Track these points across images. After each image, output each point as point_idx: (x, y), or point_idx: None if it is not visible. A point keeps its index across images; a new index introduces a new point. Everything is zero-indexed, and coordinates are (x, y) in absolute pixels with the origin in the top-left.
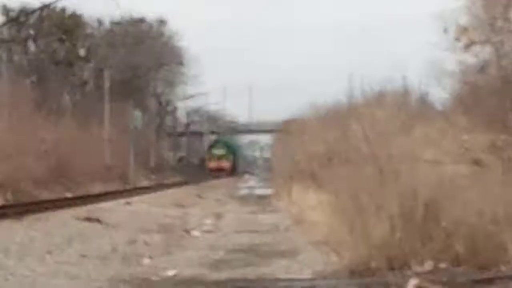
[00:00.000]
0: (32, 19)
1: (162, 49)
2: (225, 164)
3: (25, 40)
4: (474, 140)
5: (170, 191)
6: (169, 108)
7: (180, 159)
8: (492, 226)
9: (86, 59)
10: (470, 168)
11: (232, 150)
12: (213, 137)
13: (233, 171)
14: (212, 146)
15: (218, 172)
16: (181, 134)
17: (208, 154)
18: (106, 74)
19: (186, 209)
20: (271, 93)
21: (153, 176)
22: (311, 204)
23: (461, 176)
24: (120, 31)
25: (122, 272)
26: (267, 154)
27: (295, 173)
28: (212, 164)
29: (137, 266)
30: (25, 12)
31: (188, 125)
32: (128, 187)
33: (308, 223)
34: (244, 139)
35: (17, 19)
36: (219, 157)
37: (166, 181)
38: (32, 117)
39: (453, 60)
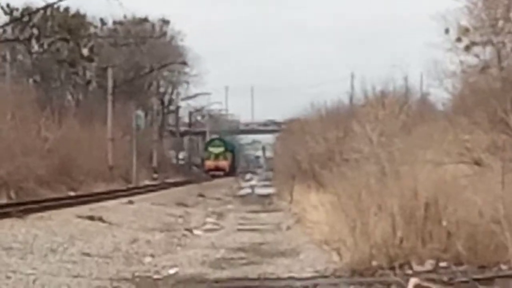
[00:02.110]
0: (36, 19)
1: (165, 49)
2: (223, 163)
3: (29, 39)
4: (475, 140)
5: (173, 190)
6: (171, 108)
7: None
8: (492, 225)
9: (89, 59)
10: (471, 168)
11: (231, 149)
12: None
13: (232, 171)
14: (208, 144)
15: (215, 172)
16: (184, 134)
17: (205, 153)
18: (109, 73)
19: (188, 208)
20: (273, 93)
21: (156, 176)
22: (313, 204)
23: (462, 176)
24: (123, 30)
25: (124, 270)
26: (269, 154)
27: (296, 172)
28: (209, 163)
29: (139, 265)
30: (28, 12)
31: (190, 124)
32: (130, 186)
33: (310, 222)
34: (246, 139)
35: (21, 18)
36: (217, 156)
37: (168, 181)
38: (35, 117)
39: (455, 60)
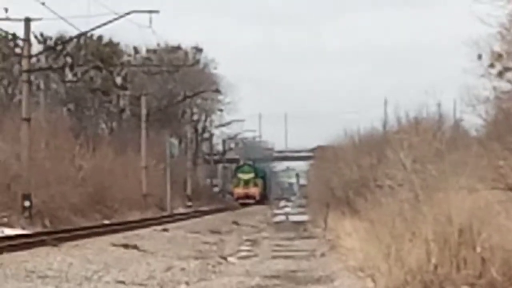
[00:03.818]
0: (69, 47)
1: (198, 76)
2: (253, 190)
3: (62, 68)
4: (509, 166)
5: (207, 218)
6: (205, 136)
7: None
8: None
9: (123, 87)
10: (505, 194)
11: (261, 175)
12: None
13: (263, 199)
14: (237, 169)
15: (245, 200)
16: (218, 161)
17: (234, 179)
18: (143, 101)
19: (222, 235)
20: (306, 119)
21: (190, 203)
22: (347, 230)
23: (496, 201)
24: (156, 59)
25: None
26: (303, 181)
27: (330, 199)
28: (239, 191)
29: None
30: (62, 40)
31: (224, 152)
32: (165, 214)
33: (344, 249)
34: (280, 166)
35: (54, 47)
36: (246, 182)
37: (202, 208)
38: (70, 145)
39: (488, 86)
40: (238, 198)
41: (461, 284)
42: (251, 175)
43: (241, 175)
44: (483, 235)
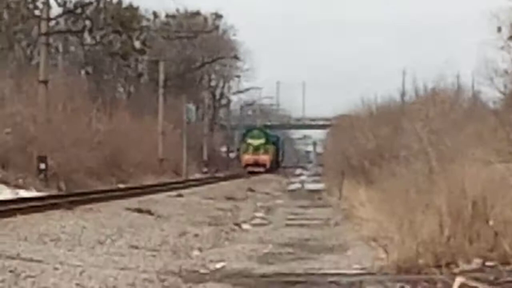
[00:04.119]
0: (89, 11)
1: (217, 43)
2: (264, 157)
3: (81, 31)
4: None
5: (222, 184)
6: (222, 102)
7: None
8: None
9: (142, 52)
10: None
11: (273, 140)
12: None
13: (274, 167)
14: (246, 134)
15: (254, 168)
16: (235, 128)
17: (242, 145)
18: (161, 67)
19: (237, 202)
20: (324, 88)
21: (206, 169)
22: (361, 200)
23: (510, 175)
24: (175, 24)
25: (171, 264)
26: (319, 149)
27: (346, 168)
28: (247, 157)
29: (186, 258)
30: (81, 4)
31: (241, 118)
32: (180, 179)
33: (358, 218)
34: (297, 134)
35: (74, 10)
36: (256, 148)
37: (218, 174)
38: (87, 108)
39: (506, 59)
40: (246, 166)
41: (473, 257)
42: (262, 140)
43: (250, 140)
44: (497, 208)
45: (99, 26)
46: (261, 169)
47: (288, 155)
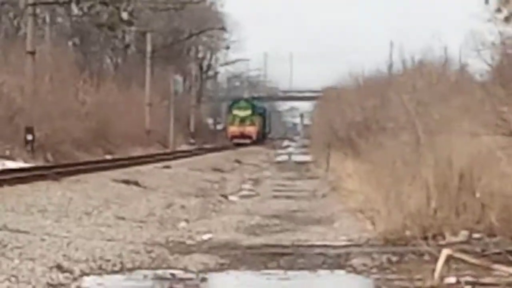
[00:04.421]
0: None
1: (204, 14)
2: (250, 129)
3: (69, 2)
4: None
5: (209, 156)
6: (210, 73)
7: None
8: None
9: (129, 23)
10: (507, 139)
11: (260, 112)
12: None
13: (261, 139)
14: (233, 105)
15: (240, 140)
16: (222, 100)
17: (228, 116)
18: (148, 38)
19: (224, 174)
20: (312, 60)
21: (193, 141)
22: (348, 172)
23: (497, 147)
24: None
25: (158, 235)
26: (306, 121)
27: (333, 140)
28: (233, 129)
29: (173, 230)
30: None
31: (229, 90)
32: (167, 151)
33: (345, 190)
34: (284, 106)
35: None
36: (242, 120)
37: (205, 146)
38: (74, 80)
39: (494, 31)
40: (232, 138)
41: (460, 229)
42: (248, 111)
43: (236, 112)
44: (484, 181)
45: None
46: (247, 141)
47: (276, 127)
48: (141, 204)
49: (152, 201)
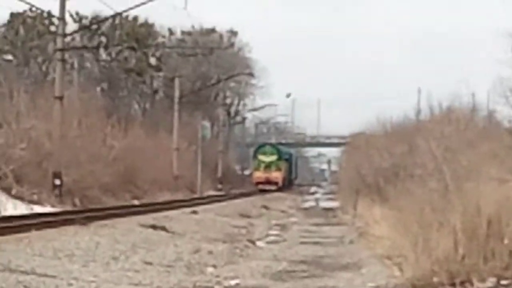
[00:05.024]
0: (104, 27)
1: (232, 60)
2: (276, 174)
3: (97, 47)
4: None
5: (237, 202)
6: (237, 119)
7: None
8: None
9: (157, 68)
10: None
11: (286, 157)
12: None
13: (287, 185)
14: (258, 150)
15: (265, 185)
16: (250, 145)
17: (254, 161)
18: (176, 83)
19: (252, 219)
20: (339, 106)
21: (220, 186)
22: (376, 218)
23: None
24: (191, 41)
25: (185, 280)
26: (334, 167)
27: (361, 186)
28: (259, 175)
29: (201, 275)
30: (97, 20)
31: (256, 136)
32: (194, 196)
33: (372, 236)
34: (312, 152)
35: (89, 26)
36: (268, 165)
37: (233, 192)
38: (102, 125)
39: None
40: (257, 184)
41: (488, 276)
42: (274, 157)
43: (261, 157)
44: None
45: (114, 43)
46: (273, 187)
47: (303, 173)
48: (168, 249)
49: (179, 246)
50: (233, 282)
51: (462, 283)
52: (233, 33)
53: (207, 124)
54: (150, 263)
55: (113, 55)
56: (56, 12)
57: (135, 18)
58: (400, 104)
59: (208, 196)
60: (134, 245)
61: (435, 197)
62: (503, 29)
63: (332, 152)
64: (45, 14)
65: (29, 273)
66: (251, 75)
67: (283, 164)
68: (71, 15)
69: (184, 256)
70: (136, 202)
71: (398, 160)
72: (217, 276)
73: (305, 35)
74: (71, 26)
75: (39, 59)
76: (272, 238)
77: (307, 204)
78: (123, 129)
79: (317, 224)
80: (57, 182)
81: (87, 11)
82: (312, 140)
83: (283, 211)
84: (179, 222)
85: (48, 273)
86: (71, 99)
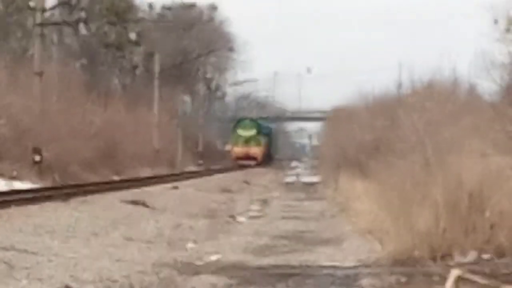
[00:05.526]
0: (84, 2)
1: (212, 34)
2: (255, 150)
3: (76, 23)
4: None
5: (217, 177)
6: (218, 94)
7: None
8: None
9: (137, 43)
10: None
11: (266, 132)
12: None
13: (266, 160)
14: (237, 125)
15: (244, 161)
16: (230, 120)
17: (233, 136)
18: (156, 58)
19: (233, 194)
20: (320, 80)
21: (201, 161)
22: (357, 193)
23: (507, 167)
24: (171, 15)
25: (166, 256)
26: (315, 142)
27: (342, 161)
28: (238, 150)
29: (181, 251)
30: None
31: (237, 111)
32: (175, 171)
33: (354, 211)
34: (293, 126)
35: (69, 1)
36: (247, 140)
37: (213, 167)
38: (82, 100)
39: (503, 51)
40: (236, 159)
41: (469, 249)
42: (253, 131)
43: (241, 131)
44: (493, 200)
45: (94, 18)
46: (252, 163)
47: (284, 148)
48: (149, 225)
49: (160, 222)
50: (214, 258)
51: (443, 257)
52: (213, 7)
53: (187, 98)
54: (130, 239)
55: (93, 30)
56: None
57: None
58: (382, 79)
59: (189, 171)
60: (115, 221)
61: (416, 170)
62: (486, 1)
63: (314, 127)
64: None
65: (9, 249)
66: (231, 49)
67: (263, 139)
68: None
69: (164, 232)
70: (116, 177)
71: (379, 134)
72: (198, 252)
73: (291, 11)
74: (51, 1)
75: (18, 35)
76: (253, 213)
77: (288, 179)
78: (103, 104)
79: (298, 199)
80: (37, 158)
81: None
82: (293, 115)
83: (264, 186)
84: (159, 198)
85: (28, 249)
86: (50, 74)
